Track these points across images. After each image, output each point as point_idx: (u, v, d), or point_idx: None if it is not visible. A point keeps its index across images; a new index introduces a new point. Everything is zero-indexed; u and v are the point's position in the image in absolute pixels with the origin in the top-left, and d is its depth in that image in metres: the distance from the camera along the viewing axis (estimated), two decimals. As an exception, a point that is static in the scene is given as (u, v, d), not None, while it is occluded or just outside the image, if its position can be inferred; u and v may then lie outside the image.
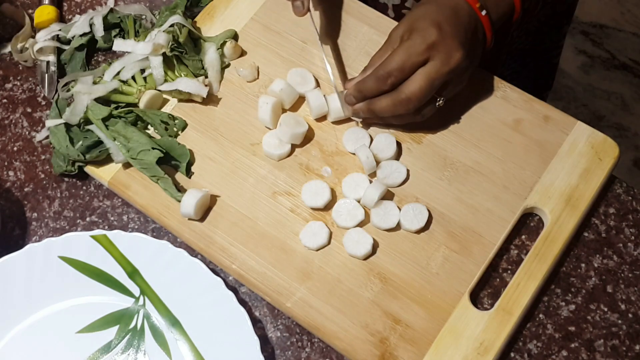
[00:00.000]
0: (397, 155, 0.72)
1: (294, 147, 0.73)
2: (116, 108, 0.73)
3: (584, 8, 1.78)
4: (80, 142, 0.71)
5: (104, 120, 0.72)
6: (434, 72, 0.67)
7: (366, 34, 0.78)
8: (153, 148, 0.70)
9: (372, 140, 0.72)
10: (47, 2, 0.82)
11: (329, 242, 0.68)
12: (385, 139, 0.72)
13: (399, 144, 0.72)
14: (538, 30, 0.94)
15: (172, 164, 0.72)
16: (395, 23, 0.78)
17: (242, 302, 0.67)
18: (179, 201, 0.69)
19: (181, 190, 0.70)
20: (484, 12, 0.70)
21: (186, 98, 0.75)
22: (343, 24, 0.78)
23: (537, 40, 0.97)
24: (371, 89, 0.69)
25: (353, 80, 0.71)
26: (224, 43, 0.76)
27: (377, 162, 0.71)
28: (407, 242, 0.69)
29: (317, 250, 0.68)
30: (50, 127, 0.73)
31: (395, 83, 0.68)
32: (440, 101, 0.70)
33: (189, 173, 0.72)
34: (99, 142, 0.71)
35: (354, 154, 0.72)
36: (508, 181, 0.71)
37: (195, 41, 0.77)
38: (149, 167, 0.70)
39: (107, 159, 0.72)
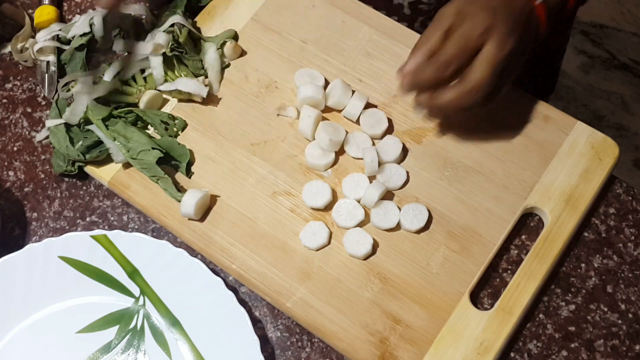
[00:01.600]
0: (401, 159, 0.72)
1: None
2: (116, 108, 0.73)
3: (583, 8, 1.77)
4: (80, 142, 0.71)
5: (104, 120, 0.72)
6: (494, 57, 0.65)
7: (366, 34, 0.78)
8: (153, 148, 0.70)
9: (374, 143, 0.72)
10: (47, 2, 0.82)
11: (329, 242, 0.68)
12: (391, 142, 0.72)
13: (404, 148, 0.72)
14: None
15: (172, 164, 0.72)
16: (396, 24, 0.78)
17: (242, 302, 0.67)
18: (179, 201, 0.69)
19: (181, 190, 0.70)
20: (538, 0, 0.68)
21: (186, 98, 0.75)
22: (343, 24, 0.78)
23: (542, 46, 0.96)
24: (430, 78, 0.65)
25: (406, 66, 0.66)
26: (224, 43, 0.76)
27: (380, 164, 0.71)
28: (407, 242, 0.69)
29: (317, 250, 0.68)
30: (50, 127, 0.73)
31: (456, 71, 0.65)
32: (504, 90, 0.68)
33: (189, 173, 0.72)
34: (99, 142, 0.71)
35: (356, 158, 0.72)
36: (508, 181, 0.71)
37: (195, 41, 0.77)
38: (148, 167, 0.70)
39: (107, 159, 0.72)
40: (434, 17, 0.68)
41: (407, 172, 0.71)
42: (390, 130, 0.73)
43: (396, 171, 0.71)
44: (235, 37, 0.78)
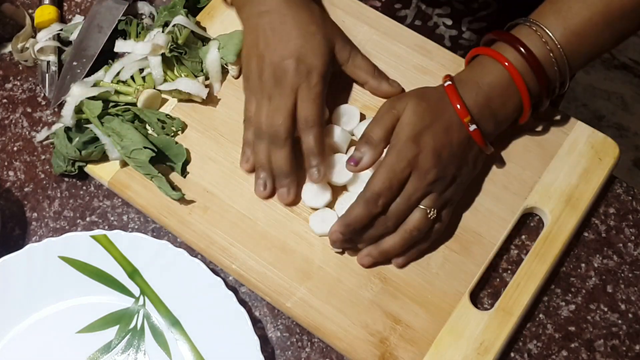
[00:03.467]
0: None
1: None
2: (114, 106, 0.74)
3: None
4: (78, 138, 0.71)
5: (100, 117, 0.72)
6: (416, 191, 0.64)
7: (366, 34, 0.78)
8: (145, 147, 0.70)
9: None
10: (47, 2, 0.82)
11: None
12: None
13: None
14: None
15: (167, 165, 0.72)
16: (396, 24, 0.78)
17: (242, 302, 0.67)
18: (175, 199, 0.69)
19: (176, 189, 0.70)
20: (472, 128, 0.65)
21: (186, 98, 0.75)
22: (343, 24, 0.78)
23: None
24: (361, 216, 0.64)
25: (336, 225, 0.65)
26: (233, 47, 0.75)
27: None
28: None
29: (321, 236, 0.68)
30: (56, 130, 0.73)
31: (387, 203, 0.64)
32: (441, 214, 0.67)
33: (184, 173, 0.72)
34: (96, 139, 0.72)
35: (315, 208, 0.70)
36: (508, 181, 0.71)
37: (198, 40, 0.77)
38: (142, 166, 0.70)
39: (105, 158, 0.72)
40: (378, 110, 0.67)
41: None
42: None
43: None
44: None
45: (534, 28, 0.66)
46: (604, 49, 0.69)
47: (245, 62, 0.71)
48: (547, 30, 0.65)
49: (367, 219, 0.64)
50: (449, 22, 0.87)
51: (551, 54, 0.65)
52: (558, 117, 0.73)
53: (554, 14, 0.66)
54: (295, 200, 0.69)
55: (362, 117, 0.73)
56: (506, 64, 0.65)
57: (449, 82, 0.66)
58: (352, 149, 0.68)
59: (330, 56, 0.70)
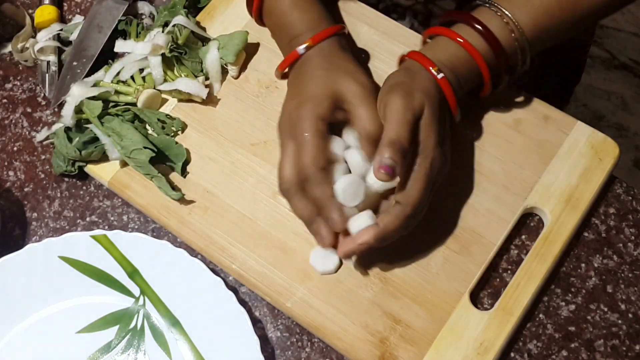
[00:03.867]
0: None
1: None
2: (114, 106, 0.74)
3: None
4: (78, 138, 0.71)
5: (100, 117, 0.72)
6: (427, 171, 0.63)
7: (366, 33, 0.78)
8: (145, 147, 0.70)
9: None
10: (47, 2, 0.82)
11: (337, 270, 0.67)
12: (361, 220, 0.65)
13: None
14: None
15: (167, 165, 0.72)
16: (396, 24, 0.78)
17: (242, 302, 0.67)
18: (174, 199, 0.69)
19: (176, 189, 0.70)
20: (440, 75, 0.66)
21: (186, 98, 0.75)
22: (343, 24, 0.78)
23: (569, 42, 0.96)
24: (399, 231, 0.63)
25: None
26: (233, 47, 0.75)
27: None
28: (407, 242, 0.69)
29: (324, 274, 0.67)
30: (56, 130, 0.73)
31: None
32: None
33: (184, 172, 0.72)
34: (96, 139, 0.72)
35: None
36: (508, 181, 0.71)
37: (201, 40, 0.77)
38: (142, 166, 0.70)
39: (105, 158, 0.72)
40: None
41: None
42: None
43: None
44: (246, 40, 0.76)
45: (494, 9, 0.67)
46: (568, 28, 0.71)
47: None
48: (506, 11, 0.67)
49: (404, 232, 0.64)
50: None
51: (512, 34, 0.67)
52: (558, 117, 0.73)
53: None
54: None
55: None
56: (460, 39, 0.67)
57: (442, 75, 0.66)
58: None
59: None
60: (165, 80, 0.75)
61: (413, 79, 0.66)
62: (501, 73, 0.69)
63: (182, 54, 0.75)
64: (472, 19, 0.67)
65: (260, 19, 0.76)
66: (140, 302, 0.68)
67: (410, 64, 0.68)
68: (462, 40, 0.67)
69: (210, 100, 0.75)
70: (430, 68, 0.66)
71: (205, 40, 0.77)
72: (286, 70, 0.72)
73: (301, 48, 0.69)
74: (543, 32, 0.68)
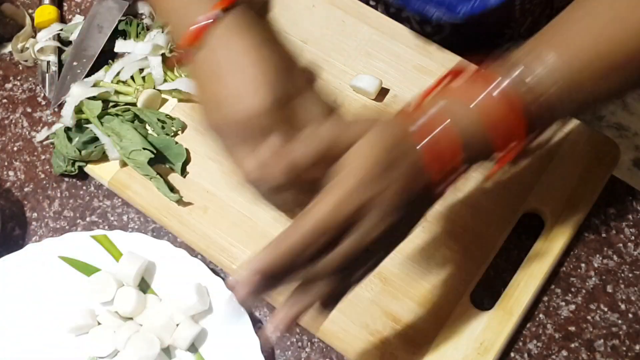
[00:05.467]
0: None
1: None
2: (114, 106, 0.74)
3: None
4: (77, 138, 0.71)
5: (100, 117, 0.72)
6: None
7: (366, 34, 0.78)
8: (144, 148, 0.70)
9: None
10: (47, 2, 0.82)
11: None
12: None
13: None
14: None
15: (167, 165, 0.72)
16: (397, 24, 0.78)
17: (242, 302, 0.68)
18: (173, 201, 0.69)
19: (174, 191, 0.70)
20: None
21: (186, 98, 0.75)
22: (343, 24, 0.78)
23: None
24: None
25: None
26: None
27: None
28: (407, 242, 0.68)
29: None
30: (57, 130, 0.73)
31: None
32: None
33: (184, 173, 0.72)
34: (96, 139, 0.72)
35: None
36: (508, 181, 0.71)
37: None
38: (141, 167, 0.70)
39: (105, 158, 0.72)
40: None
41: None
42: None
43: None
44: None
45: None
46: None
47: None
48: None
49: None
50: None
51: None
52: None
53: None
54: None
55: None
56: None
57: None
58: None
59: None
60: (165, 80, 0.75)
61: None
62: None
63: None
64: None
65: None
66: (140, 302, 0.68)
67: None
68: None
69: (210, 100, 0.75)
70: None
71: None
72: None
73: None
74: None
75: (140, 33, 0.78)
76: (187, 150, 0.72)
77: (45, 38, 0.78)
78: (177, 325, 0.65)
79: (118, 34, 0.78)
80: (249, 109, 0.50)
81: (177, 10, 0.54)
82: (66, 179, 0.74)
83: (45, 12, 0.81)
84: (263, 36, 0.52)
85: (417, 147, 0.49)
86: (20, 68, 0.80)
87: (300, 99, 0.52)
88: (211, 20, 0.51)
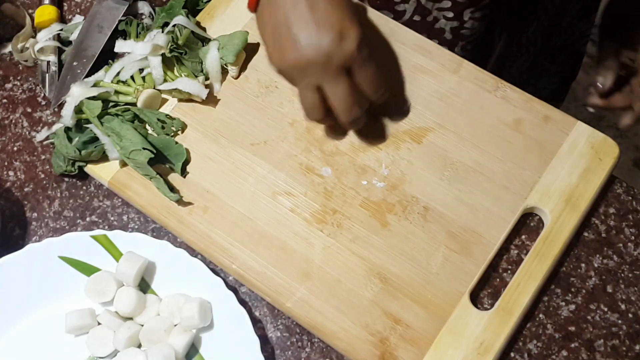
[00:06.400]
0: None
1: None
2: (114, 106, 0.74)
3: (584, 8, 1.77)
4: (77, 138, 0.71)
5: (100, 117, 0.72)
6: None
7: (366, 33, 0.78)
8: (144, 148, 0.70)
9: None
10: (47, 2, 0.82)
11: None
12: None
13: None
14: (570, 24, 0.94)
15: (167, 165, 0.72)
16: (397, 24, 0.78)
17: (242, 302, 0.68)
18: (172, 201, 0.69)
19: (174, 190, 0.70)
20: None
21: (186, 98, 0.75)
22: (343, 24, 0.78)
23: (568, 34, 0.96)
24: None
25: None
26: (233, 47, 0.75)
27: None
28: (407, 242, 0.69)
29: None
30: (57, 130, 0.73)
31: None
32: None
33: (184, 173, 0.72)
34: (96, 139, 0.72)
35: None
36: (508, 181, 0.71)
37: (201, 40, 0.77)
38: (141, 167, 0.70)
39: (105, 158, 0.72)
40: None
41: (401, 172, 0.70)
42: None
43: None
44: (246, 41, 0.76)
45: None
46: None
47: None
48: None
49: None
50: (450, 14, 0.87)
51: None
52: (558, 117, 0.73)
53: None
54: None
55: None
56: None
57: None
58: None
59: None
60: (165, 80, 0.75)
61: None
62: None
63: (182, 54, 0.75)
64: None
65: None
66: (140, 302, 0.68)
67: None
68: None
69: (210, 100, 0.75)
70: None
71: (206, 41, 0.77)
72: None
73: None
74: None
75: (140, 33, 0.78)
76: (187, 150, 0.72)
77: (45, 38, 0.78)
78: (176, 325, 0.65)
79: (118, 34, 0.78)
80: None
81: None
82: (66, 179, 0.74)
83: (45, 12, 0.81)
84: None
85: None
86: (20, 68, 0.80)
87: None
88: None
